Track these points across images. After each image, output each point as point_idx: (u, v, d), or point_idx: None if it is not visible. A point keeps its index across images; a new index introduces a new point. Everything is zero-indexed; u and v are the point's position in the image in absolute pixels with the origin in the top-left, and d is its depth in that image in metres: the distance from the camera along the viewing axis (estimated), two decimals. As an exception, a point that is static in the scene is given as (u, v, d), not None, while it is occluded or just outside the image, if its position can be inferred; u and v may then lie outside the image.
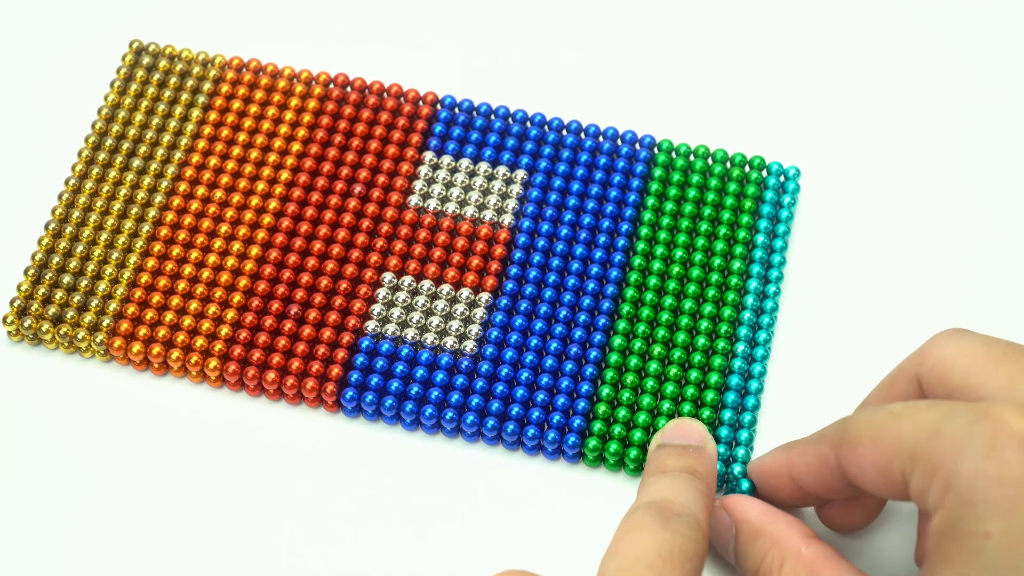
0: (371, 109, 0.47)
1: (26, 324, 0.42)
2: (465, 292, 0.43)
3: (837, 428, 0.35)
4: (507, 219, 0.45)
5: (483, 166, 0.46)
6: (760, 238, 0.44)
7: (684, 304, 0.43)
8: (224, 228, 0.44)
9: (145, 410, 0.42)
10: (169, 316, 0.42)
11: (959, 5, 0.51)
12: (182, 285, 0.43)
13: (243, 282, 0.43)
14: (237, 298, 0.43)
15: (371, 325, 0.42)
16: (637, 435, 0.40)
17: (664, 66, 0.50)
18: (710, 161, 0.46)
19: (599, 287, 0.43)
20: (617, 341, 0.42)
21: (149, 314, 0.42)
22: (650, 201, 0.45)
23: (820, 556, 0.35)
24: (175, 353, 0.42)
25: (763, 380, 0.42)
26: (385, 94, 0.47)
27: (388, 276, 0.43)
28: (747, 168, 0.46)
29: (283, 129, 0.46)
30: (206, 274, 0.43)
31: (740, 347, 0.42)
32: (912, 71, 0.50)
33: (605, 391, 0.41)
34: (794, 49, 0.50)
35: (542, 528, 0.40)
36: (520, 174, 0.45)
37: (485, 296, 0.43)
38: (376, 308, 0.43)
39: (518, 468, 0.41)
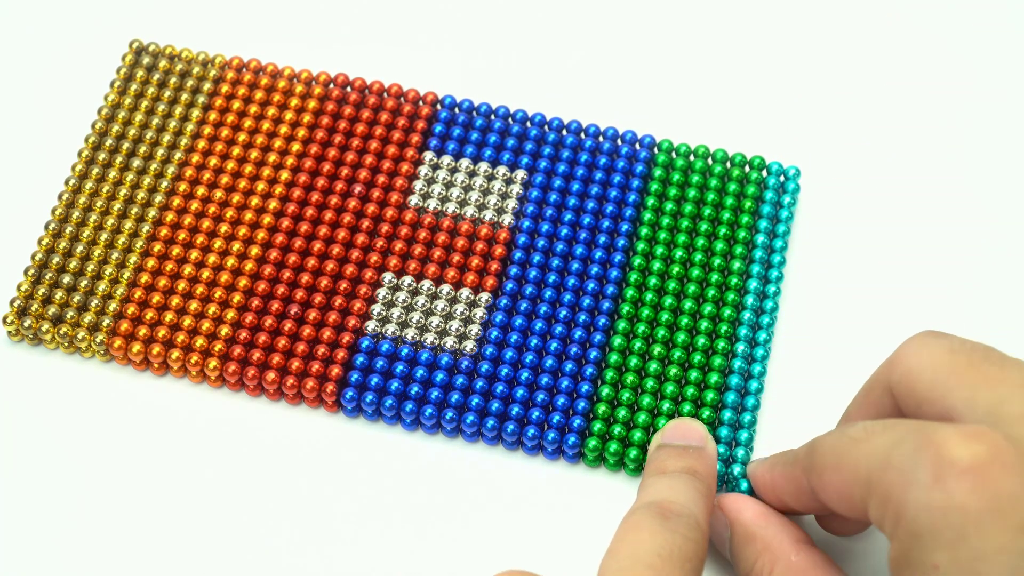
0: (371, 109, 0.47)
1: (26, 324, 0.42)
2: (465, 292, 0.43)
3: (807, 452, 0.34)
4: (507, 219, 0.45)
5: (483, 166, 0.46)
6: (760, 238, 0.44)
7: (684, 304, 0.43)
8: (224, 228, 0.44)
9: (145, 410, 0.42)
10: (169, 316, 0.42)
11: (959, 5, 0.51)
12: (182, 285, 0.43)
13: (243, 282, 0.43)
14: (237, 298, 0.43)
15: (371, 325, 0.42)
16: (637, 435, 0.40)
17: (664, 66, 0.50)
18: (710, 161, 0.46)
19: (599, 287, 0.43)
20: (617, 341, 0.42)
21: (149, 314, 0.42)
22: (650, 201, 0.45)
23: (810, 563, 0.35)
24: (175, 353, 0.42)
25: (763, 380, 0.42)
26: (385, 94, 0.47)
27: (388, 276, 0.43)
28: (747, 168, 0.46)
29: (283, 129, 0.46)
30: (206, 274, 0.43)
31: (740, 347, 0.42)
32: (912, 71, 0.50)
33: (605, 391, 0.41)
34: (794, 49, 0.50)
35: (542, 528, 0.40)
36: (520, 174, 0.45)
37: (485, 296, 0.43)
38: (376, 308, 0.43)
39: (518, 468, 0.41)
